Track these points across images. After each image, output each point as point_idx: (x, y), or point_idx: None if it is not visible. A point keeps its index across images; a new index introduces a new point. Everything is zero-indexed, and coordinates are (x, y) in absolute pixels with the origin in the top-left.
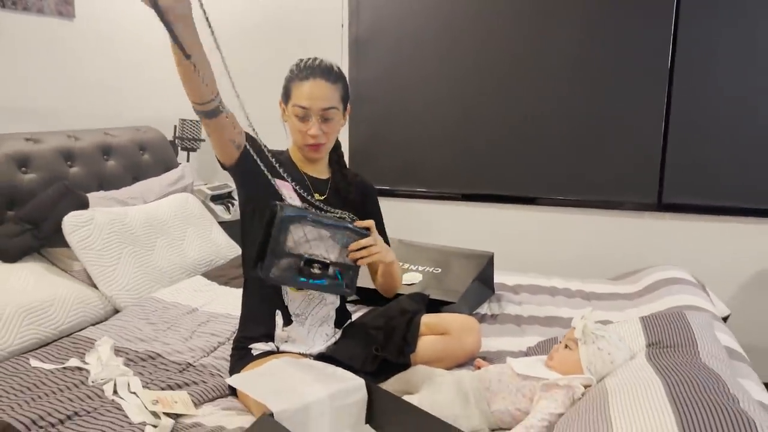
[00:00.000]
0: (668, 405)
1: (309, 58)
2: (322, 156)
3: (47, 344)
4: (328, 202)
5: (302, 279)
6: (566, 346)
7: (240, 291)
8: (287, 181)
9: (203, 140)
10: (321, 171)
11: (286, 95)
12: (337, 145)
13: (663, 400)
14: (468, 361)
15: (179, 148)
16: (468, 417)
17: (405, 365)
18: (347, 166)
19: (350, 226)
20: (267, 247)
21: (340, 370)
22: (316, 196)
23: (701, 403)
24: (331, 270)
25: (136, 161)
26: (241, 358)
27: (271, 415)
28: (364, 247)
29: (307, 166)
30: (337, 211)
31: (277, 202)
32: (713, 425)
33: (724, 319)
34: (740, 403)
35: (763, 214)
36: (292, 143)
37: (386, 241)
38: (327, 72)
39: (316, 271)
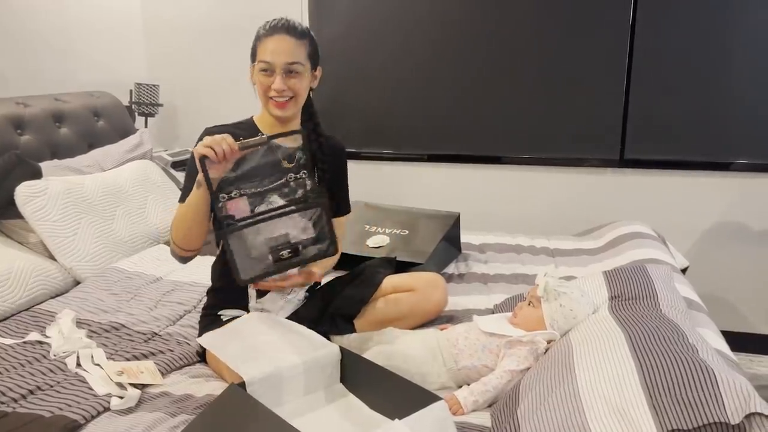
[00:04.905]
0: (630, 355)
1: (276, 18)
2: (287, 114)
3: (5, 318)
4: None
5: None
6: (530, 303)
7: (204, 259)
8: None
9: (161, 105)
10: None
11: (253, 55)
12: (313, 113)
13: (625, 351)
14: (435, 317)
15: (136, 113)
16: (436, 374)
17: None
18: (323, 134)
19: (297, 205)
20: (232, 264)
21: (310, 332)
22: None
23: (662, 352)
24: (304, 248)
25: (90, 128)
26: (210, 324)
27: (242, 384)
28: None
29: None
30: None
31: (221, 228)
32: (674, 374)
33: (683, 271)
34: (699, 352)
35: (719, 168)
36: (261, 108)
37: (347, 207)
38: (291, 28)
39: (286, 254)
